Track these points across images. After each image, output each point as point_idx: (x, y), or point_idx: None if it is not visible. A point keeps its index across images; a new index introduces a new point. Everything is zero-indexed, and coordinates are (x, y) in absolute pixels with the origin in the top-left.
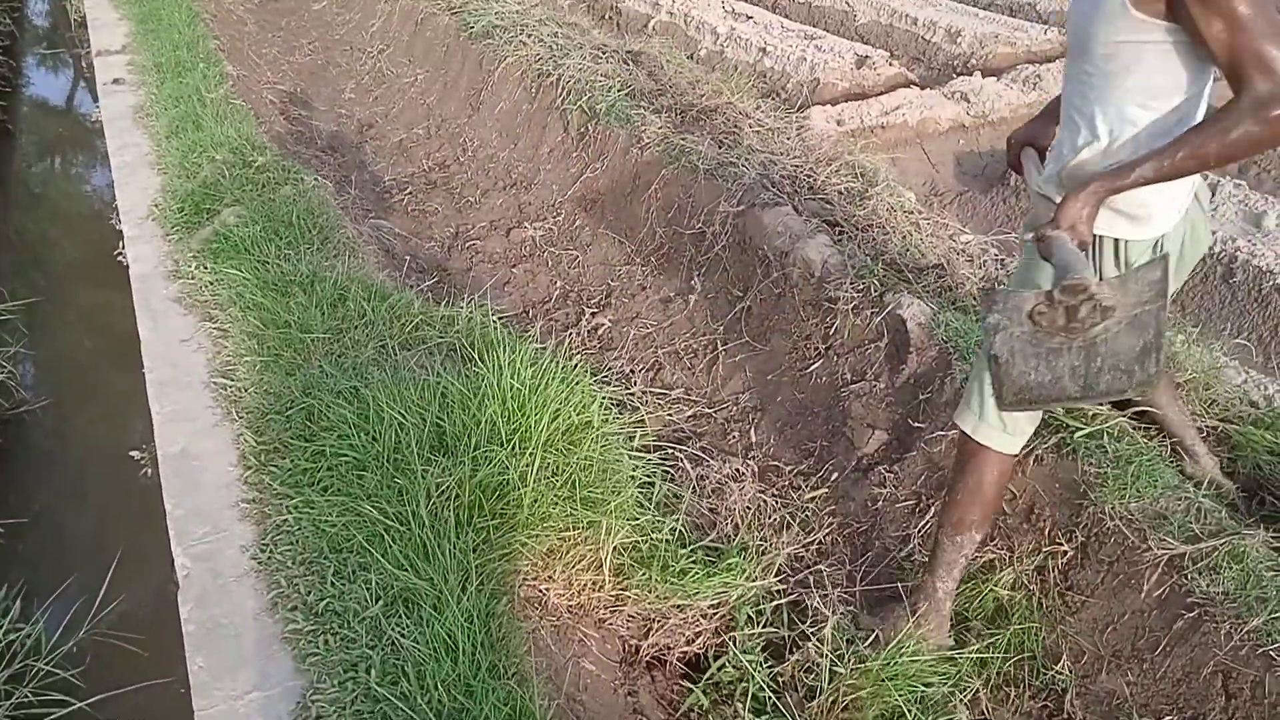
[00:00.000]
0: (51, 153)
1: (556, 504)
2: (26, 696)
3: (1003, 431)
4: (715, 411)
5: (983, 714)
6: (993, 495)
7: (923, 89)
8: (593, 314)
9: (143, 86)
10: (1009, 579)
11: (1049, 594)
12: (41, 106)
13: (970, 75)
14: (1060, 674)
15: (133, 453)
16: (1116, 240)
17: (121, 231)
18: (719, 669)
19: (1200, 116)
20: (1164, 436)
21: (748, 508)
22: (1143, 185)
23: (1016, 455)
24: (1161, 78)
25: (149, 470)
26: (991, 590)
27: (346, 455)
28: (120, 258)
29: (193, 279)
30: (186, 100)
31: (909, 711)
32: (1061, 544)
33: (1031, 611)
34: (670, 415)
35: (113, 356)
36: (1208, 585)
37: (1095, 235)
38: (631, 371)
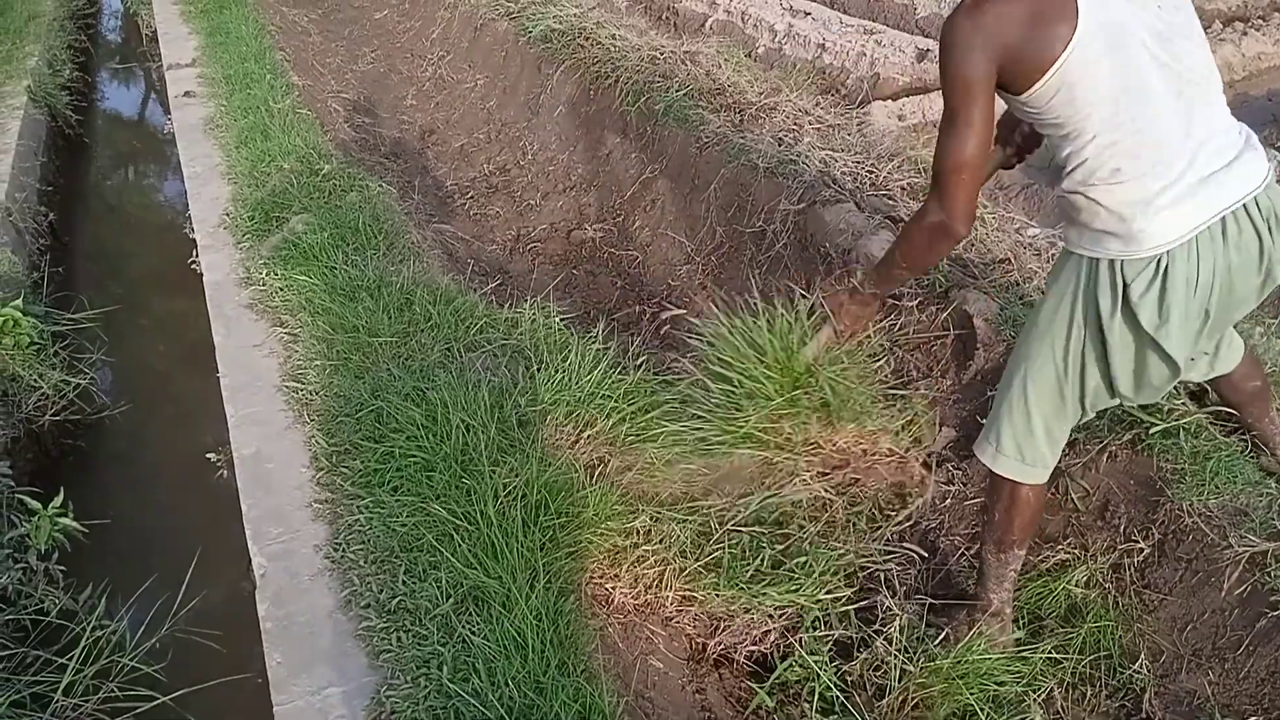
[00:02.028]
0: (126, 165)
1: (620, 503)
2: (113, 692)
3: (1021, 463)
4: None
5: (1058, 713)
6: (1028, 517)
7: None
8: (653, 313)
9: (212, 99)
10: (1083, 577)
11: (1125, 592)
12: (116, 120)
13: None
14: (1138, 673)
15: (209, 455)
16: (1111, 261)
17: (195, 240)
18: (785, 669)
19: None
20: (1245, 431)
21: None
22: (879, 293)
23: (1043, 483)
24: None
25: (224, 472)
26: (1065, 588)
27: (415, 456)
28: (194, 266)
29: (263, 286)
30: (255, 111)
31: (981, 710)
32: (1138, 541)
33: (1107, 610)
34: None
35: (188, 362)
36: None
37: (1090, 258)
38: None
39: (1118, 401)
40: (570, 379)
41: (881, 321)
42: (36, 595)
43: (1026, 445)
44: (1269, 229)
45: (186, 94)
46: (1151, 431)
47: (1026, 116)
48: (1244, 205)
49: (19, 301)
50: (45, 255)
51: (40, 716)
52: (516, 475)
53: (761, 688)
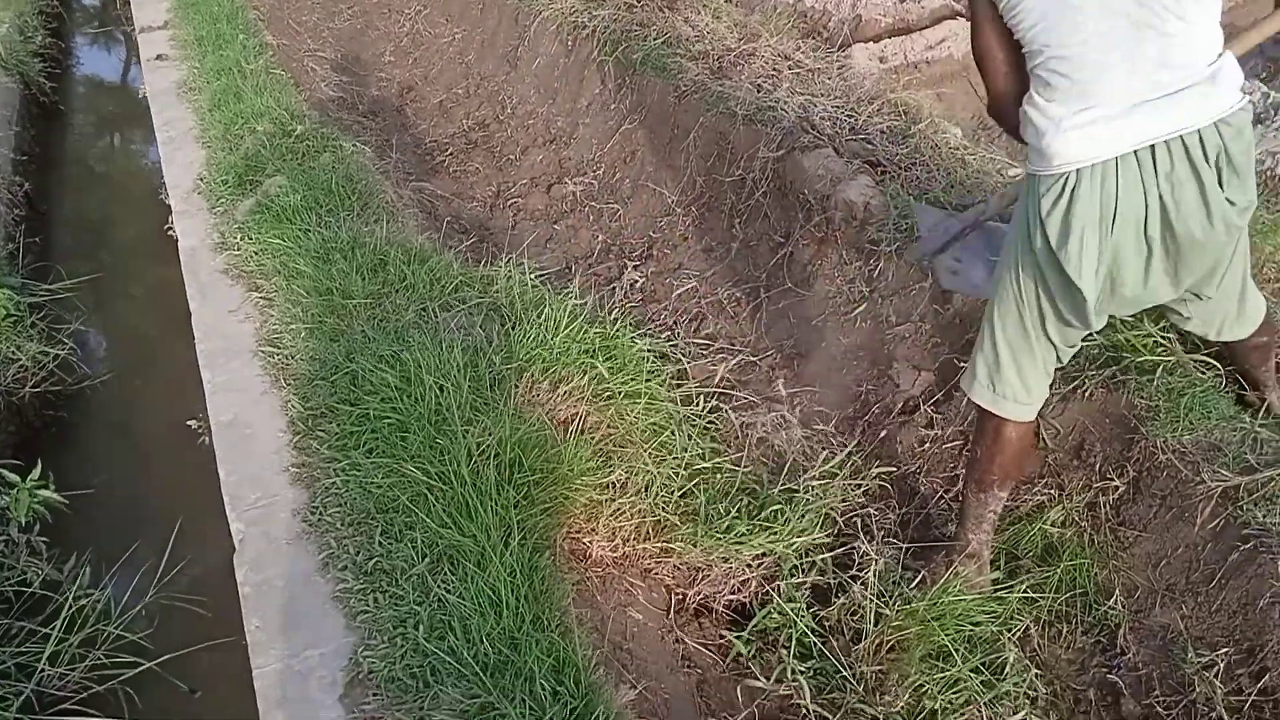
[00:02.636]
0: (103, 131)
1: (595, 459)
2: (100, 659)
3: (992, 393)
4: (760, 359)
5: (1035, 651)
6: (1012, 456)
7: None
8: (635, 266)
9: (185, 61)
10: (1059, 516)
11: (1100, 530)
12: (91, 85)
13: None
14: (1113, 610)
15: (190, 421)
16: (1031, 175)
17: (170, 206)
18: (764, 617)
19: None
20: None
21: (793, 455)
22: None
23: (1024, 421)
24: None
25: (206, 438)
26: (1041, 529)
27: (389, 418)
28: (171, 232)
29: (238, 250)
30: (227, 73)
31: (956, 650)
32: (1113, 479)
33: (1083, 548)
34: (714, 365)
35: (168, 329)
36: (1264, 516)
37: (1029, 174)
38: (675, 323)
39: (1079, 334)
40: (545, 336)
41: (861, 269)
42: (19, 567)
43: (996, 376)
44: (1212, 167)
45: (159, 57)
46: (1125, 367)
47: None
48: (1181, 138)
49: None
50: (21, 225)
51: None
52: (490, 434)
53: (739, 635)
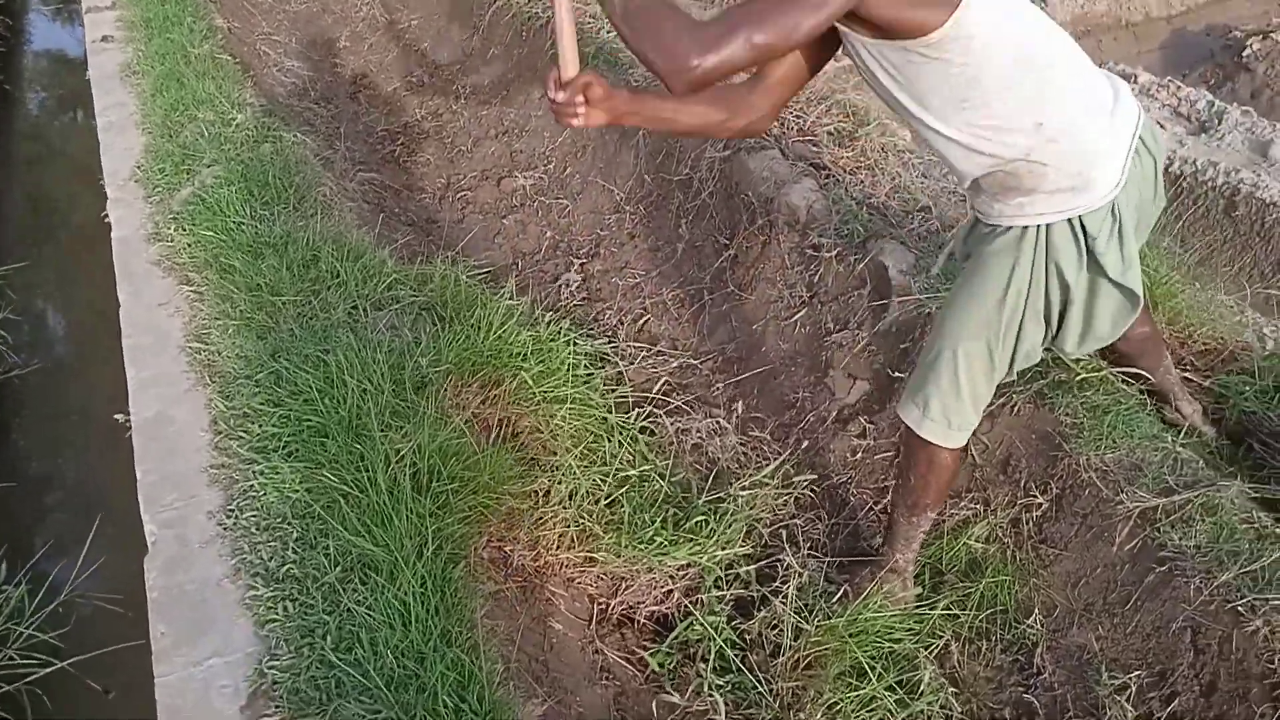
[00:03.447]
0: (50, 113)
1: (518, 466)
2: (11, 658)
3: (947, 428)
4: (700, 363)
5: (953, 668)
6: (945, 480)
7: None
8: (580, 264)
9: (130, 43)
10: (983, 532)
11: (1023, 547)
12: (42, 65)
13: None
14: (1032, 628)
15: (117, 416)
16: (1070, 220)
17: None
18: (684, 629)
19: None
20: (1143, 384)
21: (726, 463)
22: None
23: (962, 446)
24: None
25: (131, 434)
26: (966, 544)
27: (310, 421)
28: (106, 220)
29: (171, 242)
30: (171, 57)
31: (872, 668)
32: (1037, 496)
33: (1005, 565)
34: (655, 368)
35: (100, 320)
36: (1179, 539)
37: (1044, 225)
38: (618, 323)
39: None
40: (476, 338)
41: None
42: None
43: (954, 411)
44: (1157, 147)
45: (104, 38)
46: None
47: (918, 98)
48: (1140, 132)
49: None
50: None
51: None
52: (408, 439)
53: (658, 649)
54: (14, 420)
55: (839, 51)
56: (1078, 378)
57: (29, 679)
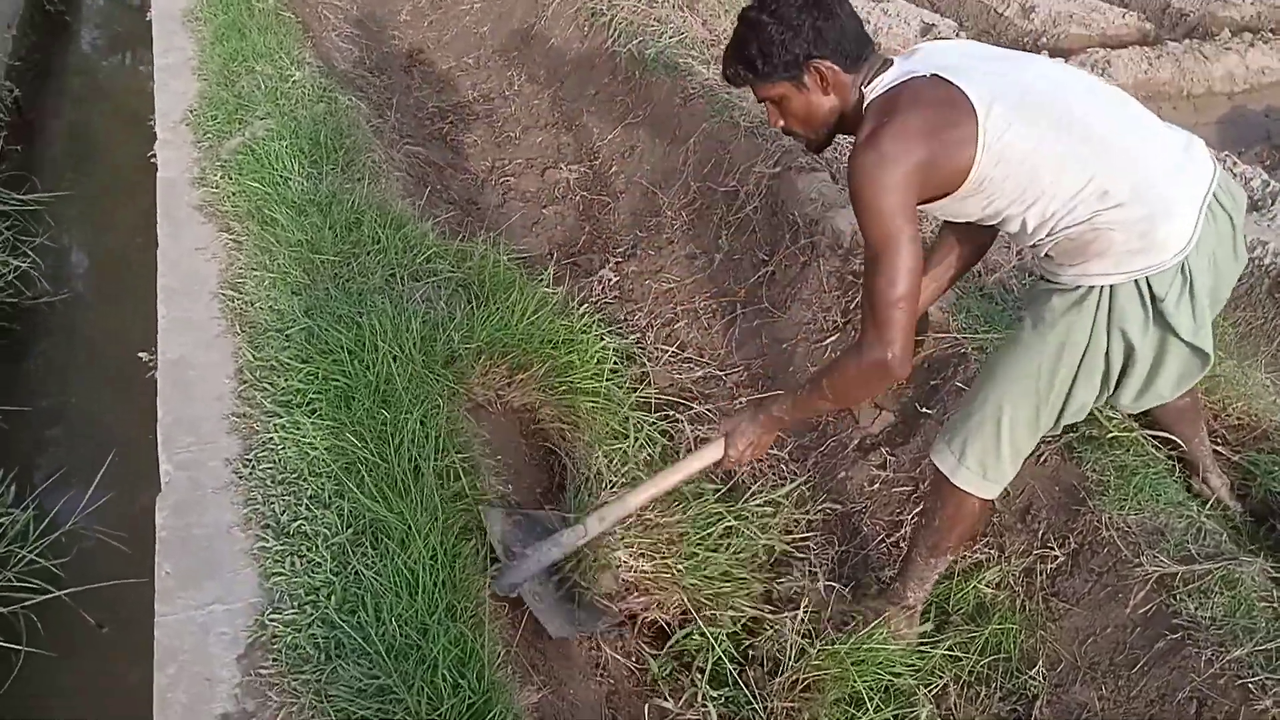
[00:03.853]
0: (107, 48)
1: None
2: (10, 581)
3: (982, 478)
4: (726, 375)
5: (950, 710)
6: (970, 526)
7: None
8: (616, 264)
9: None
10: (995, 578)
11: (1034, 598)
12: (105, 2)
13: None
14: (1034, 680)
15: (141, 354)
16: (1136, 280)
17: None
18: (684, 637)
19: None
20: (1174, 453)
21: (742, 477)
22: (789, 423)
23: (995, 498)
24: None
25: (154, 373)
26: (976, 587)
27: (338, 381)
28: (153, 160)
29: (216, 188)
30: (235, 7)
31: (870, 699)
32: (1053, 548)
33: (1013, 613)
34: (679, 374)
35: (134, 257)
36: (1195, 608)
37: (1109, 286)
38: (648, 325)
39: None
40: (510, 320)
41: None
42: None
43: (991, 463)
44: (1235, 205)
45: None
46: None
47: (969, 209)
48: (1215, 190)
49: None
50: (3, 132)
51: None
52: (437, 412)
53: (659, 654)
54: (36, 347)
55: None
56: (1108, 435)
57: (26, 604)
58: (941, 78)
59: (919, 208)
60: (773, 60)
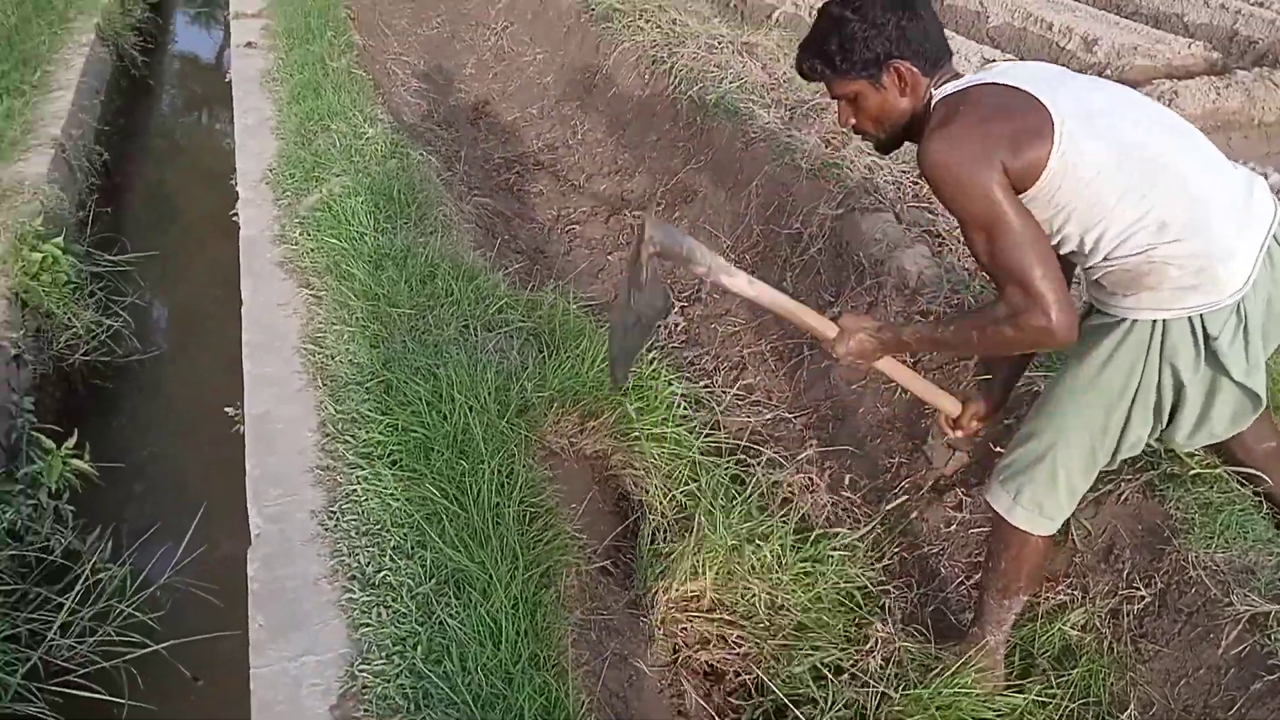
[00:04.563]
0: (188, 110)
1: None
2: (110, 634)
3: (1039, 516)
4: (794, 417)
5: None
6: (1037, 564)
7: None
8: (682, 308)
9: (272, 51)
10: (1080, 620)
11: (1122, 639)
12: (183, 64)
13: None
14: None
15: (228, 409)
16: (1190, 318)
17: (238, 193)
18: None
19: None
20: (1260, 487)
21: (818, 521)
22: (909, 349)
23: (1054, 534)
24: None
25: (241, 427)
26: (1060, 630)
27: (416, 432)
28: (235, 218)
29: (296, 245)
30: (310, 67)
31: None
32: (1139, 589)
33: (1101, 655)
34: (748, 418)
35: (221, 313)
36: None
37: (1162, 321)
38: (715, 369)
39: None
40: (581, 368)
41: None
42: (44, 533)
43: (1048, 501)
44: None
45: (248, 44)
46: (1162, 476)
47: (1043, 222)
48: (1275, 232)
49: (60, 239)
50: (94, 195)
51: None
52: (513, 460)
53: (747, 704)
54: (128, 403)
55: None
56: (1190, 472)
57: (126, 658)
58: (1019, 87)
59: None
60: (853, 57)
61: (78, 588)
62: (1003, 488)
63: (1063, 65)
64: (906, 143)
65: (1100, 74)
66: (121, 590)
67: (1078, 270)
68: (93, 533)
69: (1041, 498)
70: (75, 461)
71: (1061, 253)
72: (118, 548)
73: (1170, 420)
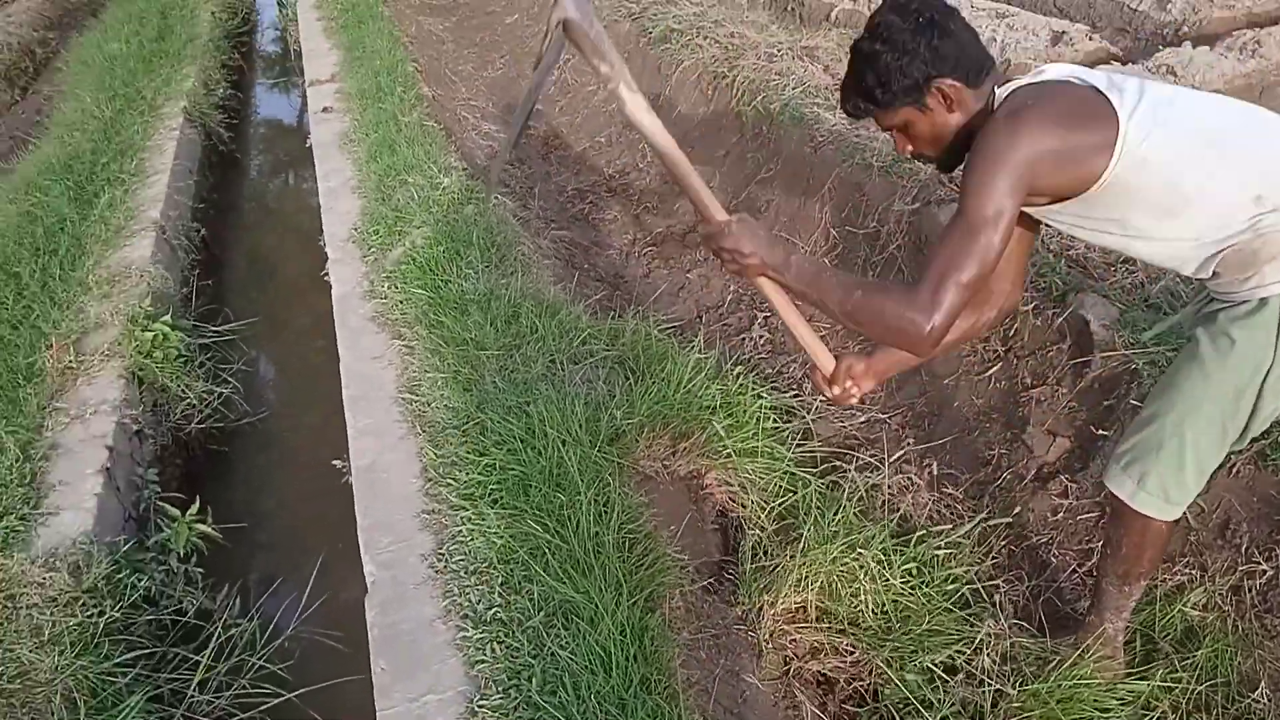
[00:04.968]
0: (274, 178)
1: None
2: (244, 688)
3: (1165, 501)
4: (889, 418)
5: None
6: (1160, 548)
7: (1125, 63)
8: (765, 318)
9: (348, 113)
10: (1200, 599)
11: (1245, 616)
12: (267, 135)
13: (1179, 46)
14: (1258, 702)
15: (335, 461)
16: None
17: (327, 253)
18: (885, 699)
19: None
20: None
21: (920, 520)
22: (788, 278)
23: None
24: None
25: (349, 478)
26: (1181, 611)
27: (514, 470)
28: (327, 278)
29: (385, 299)
30: (384, 125)
31: None
32: (1260, 563)
33: (1226, 634)
34: (842, 423)
35: (322, 371)
36: None
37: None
38: (803, 376)
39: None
40: (667, 391)
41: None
42: (176, 595)
43: (1174, 486)
44: None
45: (325, 109)
46: (1274, 446)
47: (1096, 214)
48: None
49: (168, 317)
50: (195, 270)
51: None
52: (608, 489)
53: (863, 710)
54: (246, 464)
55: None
56: None
57: (261, 708)
58: (1084, 81)
59: (1044, 208)
60: (892, 88)
61: (211, 645)
62: (1125, 473)
63: (1137, 26)
64: None
65: (1177, 31)
66: (252, 644)
67: (1169, 275)
68: (221, 591)
69: (1168, 483)
70: (200, 526)
71: (1134, 247)
72: (245, 603)
73: None
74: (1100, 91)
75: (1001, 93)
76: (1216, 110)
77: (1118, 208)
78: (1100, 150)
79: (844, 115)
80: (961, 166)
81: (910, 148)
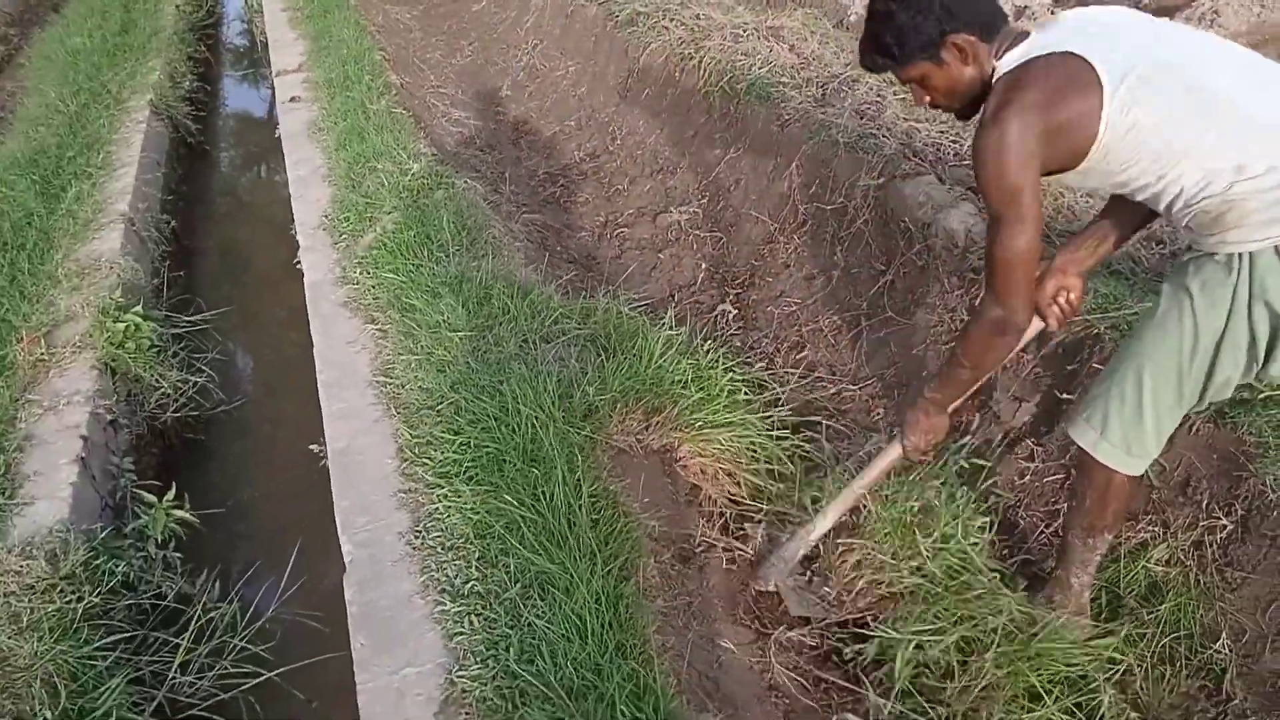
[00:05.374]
0: (244, 169)
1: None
2: (226, 668)
3: (1126, 454)
4: (859, 388)
5: (1136, 694)
6: (1123, 502)
7: None
8: (736, 295)
9: (316, 103)
10: (1163, 555)
11: (1206, 570)
12: (234, 126)
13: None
14: (1219, 653)
15: (312, 446)
16: (1276, 247)
17: (299, 241)
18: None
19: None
20: None
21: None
22: (947, 401)
23: (1141, 474)
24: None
25: (325, 462)
26: (1144, 567)
27: (488, 448)
28: (299, 265)
29: (357, 284)
30: (352, 113)
31: (1048, 691)
32: (1220, 518)
33: (1188, 588)
34: (813, 394)
35: (296, 358)
36: None
37: (1248, 254)
38: (775, 350)
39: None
40: (639, 366)
41: (963, 297)
42: (155, 581)
43: (1134, 437)
44: None
45: (292, 99)
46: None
47: (1092, 180)
48: None
49: (139, 307)
50: (166, 261)
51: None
52: (582, 463)
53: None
54: (222, 452)
55: None
56: (1260, 395)
57: (242, 688)
58: (1072, 53)
59: (1045, 178)
60: (908, 45)
61: (192, 628)
62: (1088, 423)
63: None
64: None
65: (1138, 4)
66: (233, 626)
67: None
68: (200, 576)
69: (1128, 433)
70: (177, 512)
71: (1138, 199)
72: (225, 587)
73: (1268, 357)
74: (1089, 62)
75: (1000, 69)
76: (1213, 69)
77: (1110, 170)
78: (1087, 122)
79: (862, 69)
80: (977, 117)
81: (928, 99)
